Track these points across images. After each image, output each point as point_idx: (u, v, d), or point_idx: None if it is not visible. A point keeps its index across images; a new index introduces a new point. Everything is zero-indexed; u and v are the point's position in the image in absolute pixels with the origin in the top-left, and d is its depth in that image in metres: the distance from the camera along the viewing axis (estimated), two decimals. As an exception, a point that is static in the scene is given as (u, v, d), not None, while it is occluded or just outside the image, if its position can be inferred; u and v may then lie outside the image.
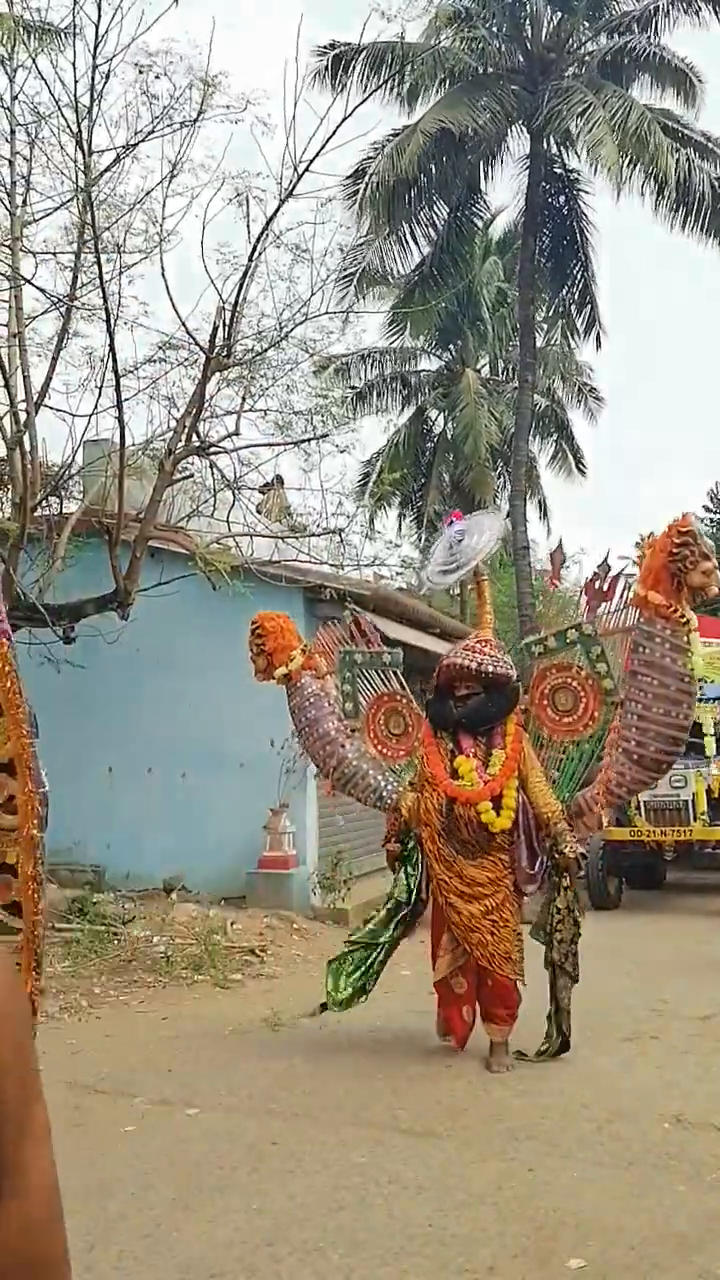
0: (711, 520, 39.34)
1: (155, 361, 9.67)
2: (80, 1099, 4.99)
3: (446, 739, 5.64)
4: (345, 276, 18.26)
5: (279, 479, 12.70)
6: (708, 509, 39.84)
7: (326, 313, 9.64)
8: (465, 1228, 3.55)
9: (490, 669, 5.54)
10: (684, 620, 5.14)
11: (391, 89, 17.96)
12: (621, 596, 5.57)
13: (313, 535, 10.85)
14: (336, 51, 16.93)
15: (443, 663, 5.73)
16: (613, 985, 7.51)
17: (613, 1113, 4.69)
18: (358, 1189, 3.88)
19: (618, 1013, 6.66)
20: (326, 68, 16.98)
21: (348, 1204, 3.76)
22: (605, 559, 5.95)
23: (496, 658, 5.62)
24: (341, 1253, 3.39)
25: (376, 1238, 3.49)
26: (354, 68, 17.06)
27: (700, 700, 13.98)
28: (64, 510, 9.78)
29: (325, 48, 16.99)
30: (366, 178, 17.42)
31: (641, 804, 11.63)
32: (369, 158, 17.83)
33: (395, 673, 6.27)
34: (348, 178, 17.36)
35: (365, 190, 17.36)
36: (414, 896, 5.77)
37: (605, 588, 5.71)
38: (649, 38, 17.86)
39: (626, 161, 16.34)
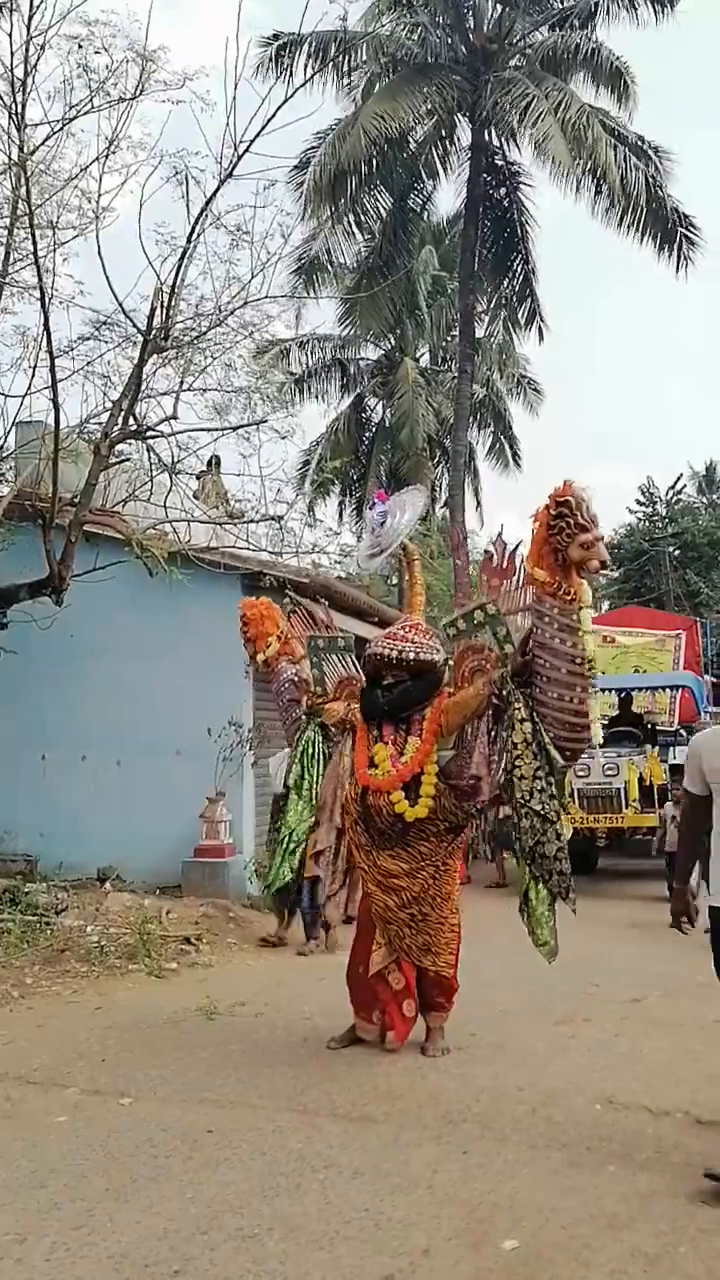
0: (644, 514, 39.99)
1: (91, 339, 9.51)
2: (11, 1090, 4.91)
3: (374, 728, 5.51)
4: (297, 269, 18.24)
5: (216, 460, 12.60)
6: (640, 503, 40.48)
7: (268, 297, 9.55)
8: (401, 1211, 3.57)
9: (411, 656, 5.35)
10: (569, 597, 4.79)
11: (335, 78, 17.90)
12: (520, 573, 5.20)
13: (252, 521, 10.77)
14: (281, 41, 16.85)
15: (366, 652, 5.60)
16: (545, 969, 7.55)
17: (545, 1095, 4.75)
18: (293, 1175, 3.88)
19: (550, 996, 6.74)
20: (271, 57, 16.88)
21: (283, 1190, 3.75)
22: (499, 534, 5.67)
23: (420, 644, 5.42)
24: (277, 1239, 3.38)
25: (312, 1223, 3.49)
26: (297, 54, 16.98)
27: (638, 689, 14.36)
28: (-5, 492, 9.57)
29: (269, 38, 16.89)
30: (311, 166, 17.38)
31: (575, 791, 11.82)
32: (313, 147, 17.77)
33: (349, 656, 6.25)
34: (293, 169, 17.29)
35: (310, 179, 17.30)
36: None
37: (504, 565, 5.37)
38: (588, 35, 18.00)
39: (569, 156, 16.44)
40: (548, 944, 5.04)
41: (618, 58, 17.54)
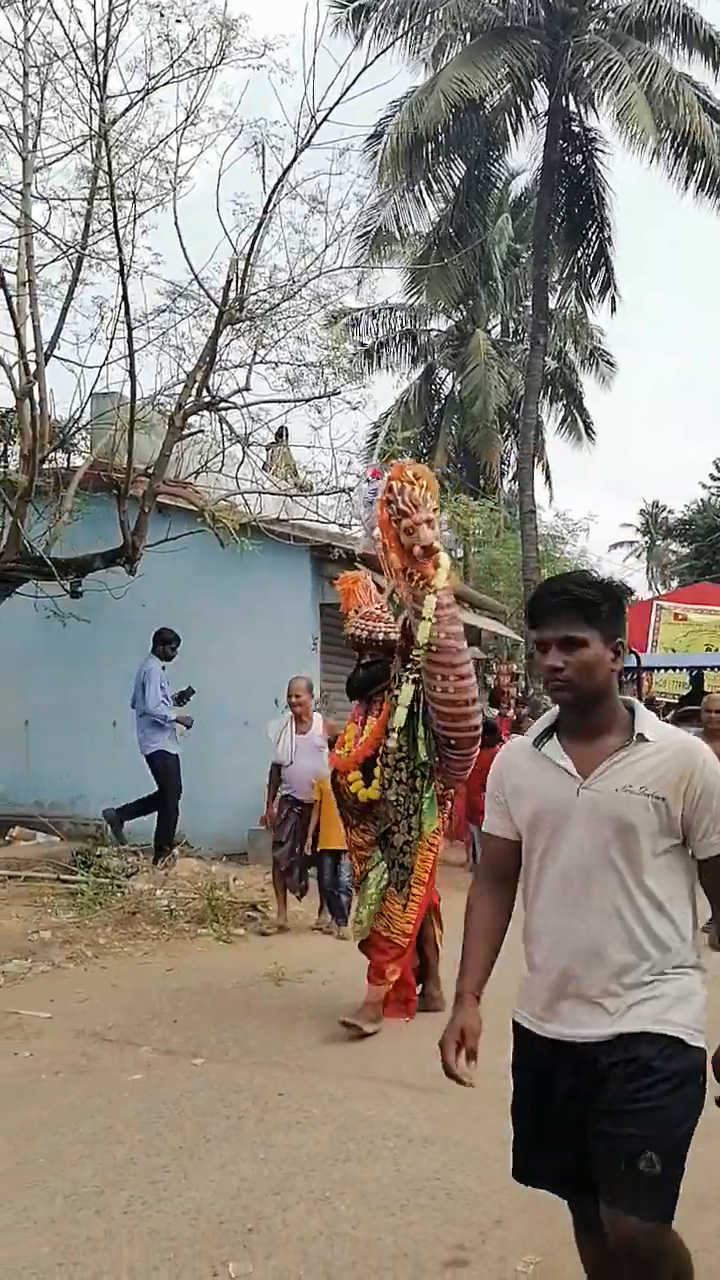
0: (717, 489, 39.15)
1: (166, 311, 9.55)
2: (88, 1046, 5.04)
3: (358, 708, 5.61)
4: (362, 235, 18.09)
5: (284, 431, 12.61)
6: (714, 478, 39.64)
7: (341, 267, 9.50)
8: (471, 1182, 3.59)
9: (381, 636, 5.43)
10: (412, 581, 4.68)
11: (412, 43, 17.67)
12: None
13: (321, 494, 10.78)
14: (358, 3, 16.68)
15: (345, 631, 5.73)
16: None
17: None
18: (364, 1141, 3.92)
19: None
20: (347, 19, 16.72)
21: (354, 1155, 3.80)
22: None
23: (392, 623, 5.47)
24: (349, 1203, 3.43)
25: (383, 1189, 3.53)
26: (373, 19, 16.80)
27: (710, 668, 14.13)
28: (71, 463, 9.69)
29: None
30: (386, 135, 17.21)
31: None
32: (387, 115, 17.58)
33: None
34: (368, 139, 17.13)
35: (385, 146, 17.13)
36: None
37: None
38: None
39: (654, 122, 16.01)
40: (361, 924, 5.25)
41: (710, 25, 16.99)
